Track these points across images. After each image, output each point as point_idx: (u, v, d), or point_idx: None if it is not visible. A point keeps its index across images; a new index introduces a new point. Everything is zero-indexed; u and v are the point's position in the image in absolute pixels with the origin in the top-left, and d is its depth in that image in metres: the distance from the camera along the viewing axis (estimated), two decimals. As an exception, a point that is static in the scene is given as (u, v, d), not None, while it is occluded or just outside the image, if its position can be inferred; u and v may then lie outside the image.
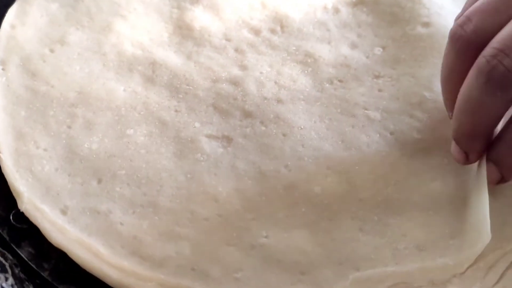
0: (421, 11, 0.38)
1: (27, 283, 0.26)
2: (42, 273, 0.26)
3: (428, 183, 0.30)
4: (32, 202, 0.28)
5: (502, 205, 0.29)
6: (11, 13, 0.37)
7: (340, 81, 0.35)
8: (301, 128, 0.32)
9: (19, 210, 0.27)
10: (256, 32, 0.38)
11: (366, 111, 0.33)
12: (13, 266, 0.27)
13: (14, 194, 0.28)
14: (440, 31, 0.37)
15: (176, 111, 0.33)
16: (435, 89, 0.34)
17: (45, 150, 0.31)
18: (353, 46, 0.37)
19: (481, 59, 0.26)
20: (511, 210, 0.29)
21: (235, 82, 0.35)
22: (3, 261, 0.26)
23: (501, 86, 0.25)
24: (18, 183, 0.29)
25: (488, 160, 0.28)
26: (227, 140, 0.32)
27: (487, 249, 0.27)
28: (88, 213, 0.28)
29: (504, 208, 0.29)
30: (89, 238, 0.27)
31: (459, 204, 0.29)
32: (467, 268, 0.26)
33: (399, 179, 0.30)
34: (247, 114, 0.33)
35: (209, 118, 0.33)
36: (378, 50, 0.36)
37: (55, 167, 0.30)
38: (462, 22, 0.27)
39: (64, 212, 0.28)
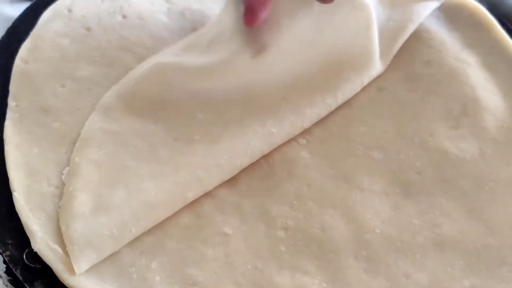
0: (422, 50, 0.39)
1: (39, 322, 0.27)
2: (54, 313, 0.27)
3: (433, 225, 0.31)
4: (45, 241, 0.28)
5: (500, 245, 0.30)
6: (24, 48, 0.37)
7: (343, 119, 0.36)
8: (306, 168, 0.33)
9: (32, 249, 0.28)
10: None
11: (368, 150, 0.34)
12: (26, 305, 0.27)
13: (28, 233, 0.29)
14: (441, 71, 0.38)
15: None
16: (437, 130, 0.35)
17: (57, 187, 0.31)
18: None
19: None
20: (510, 251, 0.30)
21: None
22: (16, 300, 0.27)
23: None
24: (31, 222, 0.29)
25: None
26: (233, 179, 0.32)
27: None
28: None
29: (503, 249, 0.30)
30: (102, 280, 0.27)
31: (466, 246, 0.30)
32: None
33: (403, 220, 0.31)
34: None
35: None
36: (380, 91, 0.37)
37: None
38: None
39: None
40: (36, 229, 0.28)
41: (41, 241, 0.28)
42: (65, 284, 0.27)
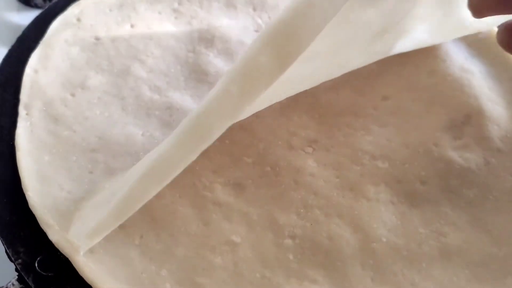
0: (426, 59, 0.40)
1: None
2: (66, 321, 0.27)
3: (439, 234, 0.31)
4: (62, 234, 0.29)
5: (505, 254, 0.31)
6: (34, 57, 0.38)
7: (348, 128, 0.36)
8: (312, 176, 0.34)
9: (44, 257, 0.28)
10: None
11: (373, 159, 0.35)
12: (38, 313, 0.27)
13: (44, 227, 0.29)
14: (445, 80, 0.38)
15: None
16: (441, 140, 0.35)
17: (69, 192, 0.32)
18: (361, 94, 0.38)
19: None
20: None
21: (247, 128, 0.36)
22: (28, 308, 0.27)
23: None
24: (47, 217, 0.30)
25: None
26: (240, 187, 0.33)
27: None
28: (110, 257, 0.29)
29: (508, 259, 0.30)
30: (117, 282, 0.28)
31: (472, 256, 0.30)
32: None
33: (409, 229, 0.31)
34: (259, 161, 0.34)
35: (223, 164, 0.34)
36: (384, 100, 0.38)
37: (79, 209, 0.31)
38: None
39: (91, 251, 0.29)
40: (53, 223, 0.29)
41: (58, 232, 0.29)
42: (84, 276, 0.28)
